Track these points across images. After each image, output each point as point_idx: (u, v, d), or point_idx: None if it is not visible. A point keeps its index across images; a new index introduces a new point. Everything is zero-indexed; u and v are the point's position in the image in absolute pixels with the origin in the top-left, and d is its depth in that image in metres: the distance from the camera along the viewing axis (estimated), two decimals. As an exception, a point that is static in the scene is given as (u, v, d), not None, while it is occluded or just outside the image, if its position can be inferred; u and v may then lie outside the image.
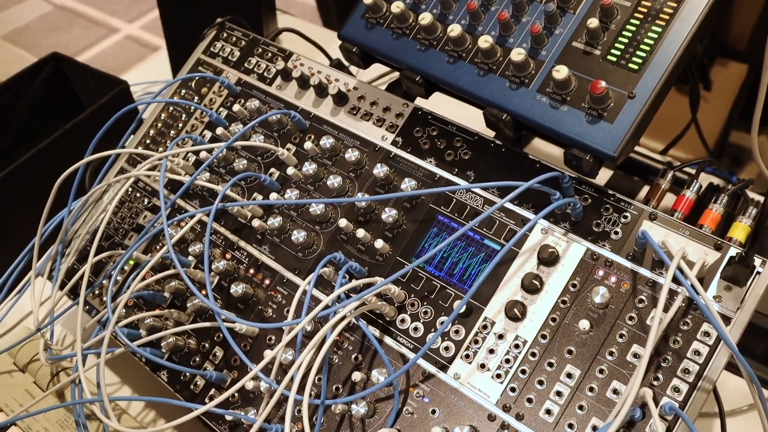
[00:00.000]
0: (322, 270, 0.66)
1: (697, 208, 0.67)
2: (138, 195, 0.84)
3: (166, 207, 0.72)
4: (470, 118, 0.73)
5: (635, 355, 0.57)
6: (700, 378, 0.55)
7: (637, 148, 1.00)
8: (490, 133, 0.70)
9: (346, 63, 0.94)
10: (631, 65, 0.59)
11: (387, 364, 0.62)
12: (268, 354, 0.65)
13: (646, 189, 0.99)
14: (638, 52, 0.59)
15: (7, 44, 2.48)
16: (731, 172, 0.94)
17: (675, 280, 0.56)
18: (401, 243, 0.67)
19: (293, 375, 0.60)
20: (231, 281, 0.73)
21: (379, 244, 0.66)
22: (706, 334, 0.56)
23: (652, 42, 0.59)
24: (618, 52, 0.60)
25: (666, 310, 0.56)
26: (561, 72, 0.59)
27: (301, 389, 0.60)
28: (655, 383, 0.55)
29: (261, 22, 1.12)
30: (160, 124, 0.86)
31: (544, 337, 0.60)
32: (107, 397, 0.63)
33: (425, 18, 0.67)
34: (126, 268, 0.80)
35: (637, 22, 0.60)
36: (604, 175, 1.02)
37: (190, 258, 0.76)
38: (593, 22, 0.60)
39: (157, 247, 0.79)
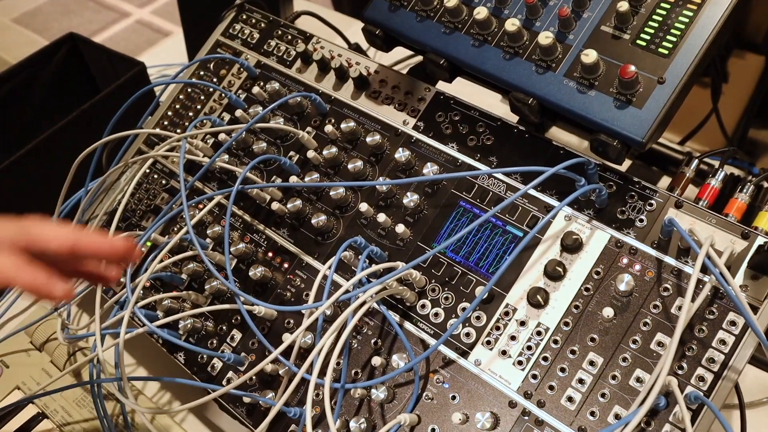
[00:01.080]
0: (343, 254, 0.65)
1: (720, 199, 0.67)
2: (156, 176, 0.83)
3: (186, 188, 0.72)
4: (490, 105, 0.72)
5: (659, 344, 0.56)
6: (726, 367, 0.54)
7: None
8: (512, 119, 0.69)
9: (363, 47, 0.93)
10: (661, 50, 0.58)
11: (408, 348, 0.61)
12: (287, 337, 0.64)
13: (664, 179, 0.98)
14: (669, 37, 0.58)
15: (19, 27, 2.47)
16: (752, 164, 0.93)
17: (702, 268, 0.55)
18: (422, 228, 0.67)
19: (314, 359, 0.59)
20: (249, 264, 0.73)
21: (400, 228, 0.66)
22: (732, 323, 0.55)
23: (683, 26, 0.58)
24: (648, 37, 0.59)
25: (693, 299, 0.55)
26: (590, 56, 0.58)
27: (321, 373, 0.60)
28: (679, 372, 0.55)
29: (278, 5, 1.11)
30: (178, 106, 0.86)
31: (566, 324, 0.59)
32: (126, 376, 0.63)
33: (450, 0, 0.66)
34: (143, 249, 0.79)
35: (668, 6, 0.59)
36: (622, 166, 1.01)
37: (208, 240, 0.75)
38: (623, 6, 0.59)
39: (175, 229, 0.79)
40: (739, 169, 0.96)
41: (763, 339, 0.51)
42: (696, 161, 0.69)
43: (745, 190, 0.64)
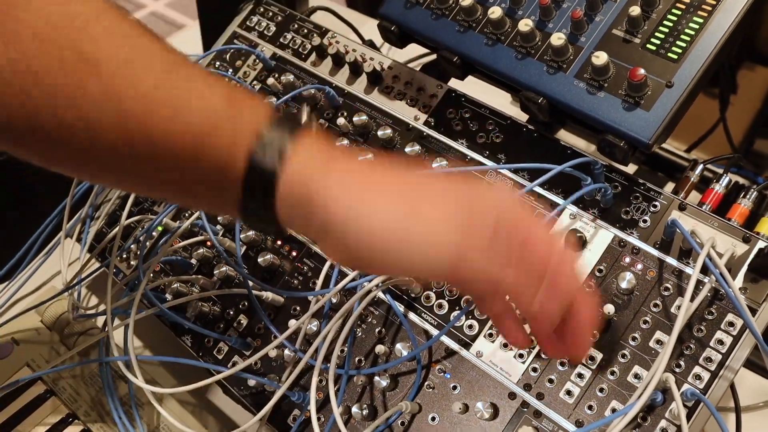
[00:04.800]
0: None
1: (723, 205, 0.68)
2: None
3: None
4: (501, 105, 0.73)
5: (658, 342, 0.57)
6: (722, 367, 0.55)
7: (661, 145, 1.00)
8: (523, 118, 0.70)
9: (378, 44, 0.94)
10: (670, 54, 0.60)
11: (412, 338, 0.63)
12: (293, 323, 0.66)
13: (669, 186, 0.99)
14: (678, 42, 0.60)
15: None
16: (756, 173, 0.94)
17: (703, 269, 0.57)
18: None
19: (318, 345, 0.61)
20: (258, 252, 0.74)
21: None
22: (731, 324, 0.56)
23: (693, 32, 0.60)
24: (658, 41, 0.61)
25: (692, 299, 0.56)
26: (600, 58, 0.60)
27: (325, 359, 0.61)
28: (677, 370, 0.56)
29: (293, 0, 1.12)
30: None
31: (568, 319, 0.60)
32: (135, 355, 0.64)
33: (466, 0, 0.67)
34: (154, 234, 0.81)
35: (679, 12, 0.60)
36: (628, 170, 1.02)
37: (219, 227, 0.77)
38: (635, 10, 0.60)
39: (186, 215, 0.80)
40: (744, 178, 0.97)
41: (760, 339, 0.52)
42: (701, 166, 0.70)
43: (748, 197, 0.66)
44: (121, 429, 0.71)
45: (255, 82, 0.84)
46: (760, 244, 0.57)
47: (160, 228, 0.80)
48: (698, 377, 0.55)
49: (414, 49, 0.81)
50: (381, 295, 0.66)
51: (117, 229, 0.75)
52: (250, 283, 0.67)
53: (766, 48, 1.08)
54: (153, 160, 0.42)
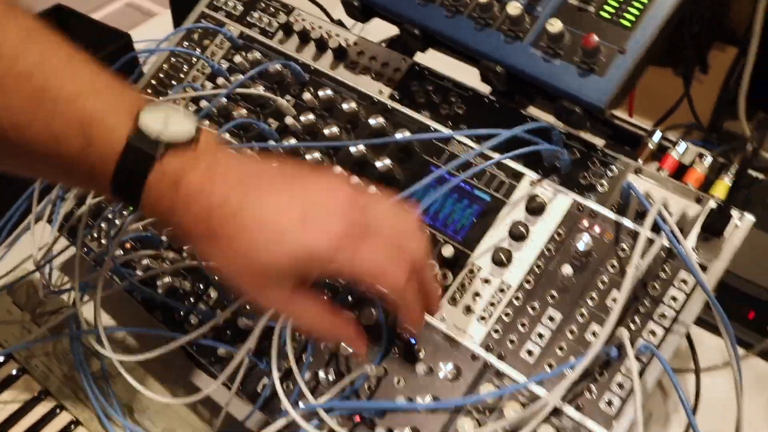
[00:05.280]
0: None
1: (680, 171, 0.70)
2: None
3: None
4: (472, 82, 0.74)
5: (615, 301, 0.59)
6: (676, 322, 0.57)
7: (629, 121, 1.02)
8: (486, 90, 0.72)
9: (349, 25, 0.95)
10: (623, 22, 0.61)
11: (377, 304, 0.64)
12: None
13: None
14: (631, 9, 0.61)
15: (8, 7, 2.47)
16: (718, 144, 0.96)
17: (656, 229, 0.58)
18: (395, 192, 0.69)
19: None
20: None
21: (373, 191, 0.68)
22: (684, 281, 0.58)
23: (645, 0, 0.61)
24: (612, 9, 0.62)
25: (643, 255, 0.58)
26: (555, 26, 0.61)
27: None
28: (632, 326, 0.57)
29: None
30: (162, 75, 0.88)
31: (528, 282, 0.62)
32: (102, 327, 0.65)
33: (425, -28, 0.68)
34: (125, 212, 0.81)
35: (631, -20, 0.62)
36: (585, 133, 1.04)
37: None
38: (588, -21, 0.62)
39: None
40: (706, 150, 0.99)
41: (709, 293, 0.54)
42: (659, 134, 0.72)
43: (703, 161, 0.67)
44: (94, 403, 0.71)
45: (222, 61, 0.84)
46: (712, 204, 0.59)
47: (130, 207, 0.81)
48: (653, 333, 0.57)
49: (383, 29, 0.82)
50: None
51: (84, 207, 0.76)
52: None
53: (735, 28, 1.10)
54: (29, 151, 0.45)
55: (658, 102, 1.12)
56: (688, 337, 0.72)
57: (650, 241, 0.58)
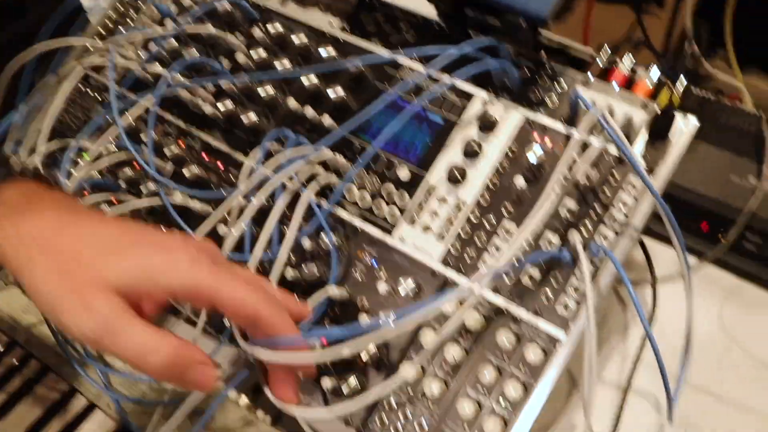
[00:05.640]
0: (272, 148, 0.68)
1: (629, 86, 0.70)
2: (89, 92, 0.84)
3: (116, 94, 0.73)
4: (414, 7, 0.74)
5: (568, 210, 0.60)
6: (626, 225, 0.58)
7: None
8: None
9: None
10: (563, -68, 0.61)
11: (325, 226, 0.64)
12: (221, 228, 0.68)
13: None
14: None
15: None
16: (671, 67, 0.98)
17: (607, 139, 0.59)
18: (346, 118, 0.69)
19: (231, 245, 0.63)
20: (184, 166, 0.74)
21: (327, 121, 0.69)
22: (632, 185, 0.59)
23: None
24: None
25: (595, 165, 0.60)
26: (496, -61, 0.61)
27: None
28: (584, 232, 0.59)
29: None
30: (108, 21, 0.86)
31: (483, 197, 0.63)
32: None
33: None
34: (80, 161, 0.80)
35: None
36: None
37: (142, 146, 0.77)
38: None
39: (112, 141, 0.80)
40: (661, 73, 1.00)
41: (652, 188, 0.55)
42: (608, 50, 0.72)
43: (650, 74, 0.68)
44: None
45: (170, 3, 0.83)
46: (657, 109, 0.60)
47: (85, 155, 0.80)
48: (605, 237, 0.59)
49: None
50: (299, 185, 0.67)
51: (35, 156, 0.75)
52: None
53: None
54: None
55: (613, 37, 1.14)
56: (645, 250, 0.74)
57: (601, 152, 0.60)
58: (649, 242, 0.74)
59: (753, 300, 0.75)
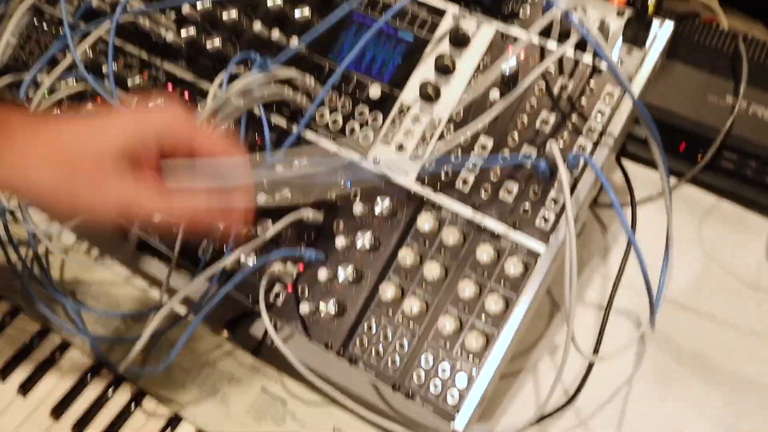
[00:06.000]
0: (238, 71, 0.65)
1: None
2: (45, 27, 0.80)
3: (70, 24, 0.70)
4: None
5: (544, 122, 0.59)
6: (604, 134, 0.57)
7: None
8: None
9: None
10: None
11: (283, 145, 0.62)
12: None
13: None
14: None
15: None
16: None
17: (582, 48, 0.58)
18: (317, 42, 0.67)
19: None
20: (149, 99, 0.72)
21: (294, 43, 0.66)
22: (609, 94, 0.58)
23: None
24: None
25: (570, 75, 0.58)
26: None
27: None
28: (561, 143, 0.58)
29: None
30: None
31: (457, 114, 0.61)
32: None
33: None
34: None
35: None
36: None
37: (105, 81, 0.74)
38: None
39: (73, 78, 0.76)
40: None
41: (628, 89, 0.54)
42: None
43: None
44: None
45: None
46: (630, 14, 0.59)
47: (46, 93, 0.77)
48: (583, 148, 0.57)
49: None
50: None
51: None
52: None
53: None
54: None
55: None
56: (623, 170, 0.73)
57: (576, 62, 0.58)
58: (626, 164, 0.73)
59: (730, 217, 0.75)
